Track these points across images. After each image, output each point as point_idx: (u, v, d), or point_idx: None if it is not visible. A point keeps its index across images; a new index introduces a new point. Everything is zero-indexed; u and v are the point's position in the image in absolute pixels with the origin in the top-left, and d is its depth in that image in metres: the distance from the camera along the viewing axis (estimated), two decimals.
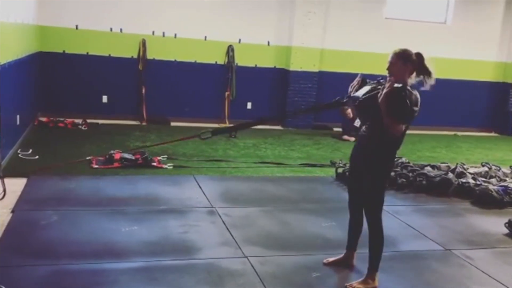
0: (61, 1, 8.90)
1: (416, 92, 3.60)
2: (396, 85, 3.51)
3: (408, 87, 3.55)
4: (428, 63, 3.65)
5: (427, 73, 3.66)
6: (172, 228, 4.65)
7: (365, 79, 3.93)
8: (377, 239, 3.76)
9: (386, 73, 3.67)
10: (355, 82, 3.95)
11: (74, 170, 6.10)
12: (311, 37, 10.05)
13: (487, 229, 5.30)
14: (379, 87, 3.66)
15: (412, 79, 3.66)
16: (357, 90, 3.87)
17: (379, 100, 3.52)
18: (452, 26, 11.04)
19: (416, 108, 3.55)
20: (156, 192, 5.56)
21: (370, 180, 3.70)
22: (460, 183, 6.36)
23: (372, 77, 3.96)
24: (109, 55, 9.35)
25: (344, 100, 3.89)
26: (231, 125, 5.07)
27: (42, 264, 3.78)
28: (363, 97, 3.71)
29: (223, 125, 9.75)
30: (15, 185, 5.29)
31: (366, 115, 3.77)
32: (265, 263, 4.09)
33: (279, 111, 10.31)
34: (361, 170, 3.77)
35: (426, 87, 3.69)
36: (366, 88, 3.77)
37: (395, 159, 3.75)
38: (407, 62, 3.62)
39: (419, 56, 3.66)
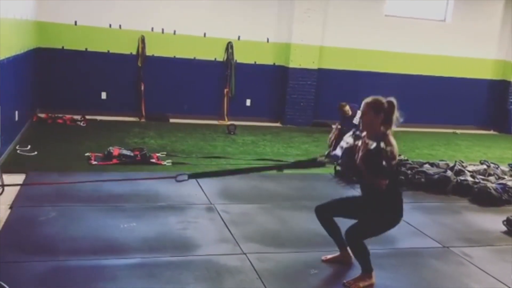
0: None
1: (391, 142, 3.55)
2: (370, 145, 3.50)
3: (382, 143, 3.49)
4: (396, 114, 3.62)
5: (390, 124, 3.62)
6: (170, 224, 4.65)
7: (342, 128, 3.98)
8: (357, 252, 3.79)
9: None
10: (331, 135, 3.99)
11: (73, 167, 6.10)
12: (311, 34, 10.04)
13: (486, 227, 5.31)
14: (357, 143, 3.66)
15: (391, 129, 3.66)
16: (335, 144, 3.90)
17: (357, 162, 3.56)
18: (452, 24, 11.03)
19: (394, 162, 3.55)
20: (154, 188, 5.56)
21: (366, 220, 3.72)
22: (459, 181, 6.37)
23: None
24: (108, 51, 9.33)
25: (325, 160, 3.94)
26: (215, 170, 5.08)
27: (41, 260, 3.78)
28: (343, 160, 3.76)
29: (222, 122, 9.78)
30: (14, 181, 5.27)
31: (351, 172, 3.80)
32: (264, 259, 4.09)
33: (278, 108, 10.33)
34: (361, 210, 3.78)
35: None
36: (344, 145, 3.80)
37: (400, 204, 3.77)
38: (379, 112, 3.60)
39: (390, 104, 3.63)
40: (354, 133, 3.81)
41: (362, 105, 3.68)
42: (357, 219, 3.79)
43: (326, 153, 4.03)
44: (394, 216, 3.73)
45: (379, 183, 3.52)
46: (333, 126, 4.11)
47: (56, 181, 5.39)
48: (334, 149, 3.92)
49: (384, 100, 3.64)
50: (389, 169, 3.49)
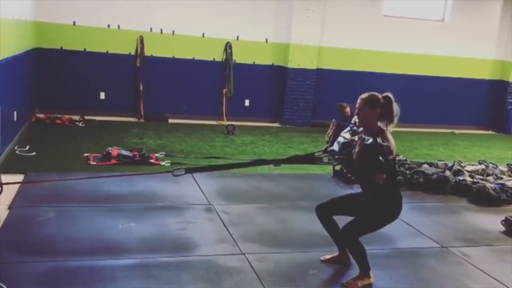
0: None
1: (388, 137, 3.57)
2: (366, 141, 3.48)
3: (378, 138, 3.49)
4: (395, 107, 3.64)
5: (391, 118, 3.64)
6: (169, 225, 4.65)
7: (339, 124, 3.98)
8: (354, 251, 3.80)
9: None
10: (330, 130, 3.98)
11: (71, 167, 6.10)
12: (309, 35, 10.04)
13: (484, 227, 5.31)
14: (354, 139, 3.64)
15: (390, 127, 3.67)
16: (333, 140, 3.90)
17: (354, 158, 3.55)
18: (450, 24, 11.04)
19: (391, 157, 3.53)
20: (153, 189, 5.56)
21: (365, 215, 3.72)
22: (457, 181, 6.38)
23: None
24: (107, 51, 9.32)
25: (323, 155, 3.96)
26: (213, 165, 5.02)
27: (40, 261, 3.78)
28: (340, 155, 3.75)
29: (221, 122, 9.78)
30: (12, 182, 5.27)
31: (350, 168, 3.79)
32: (263, 260, 4.09)
33: (276, 108, 10.33)
34: (361, 207, 3.78)
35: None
36: (341, 140, 3.79)
37: (399, 199, 3.76)
38: (375, 107, 3.62)
39: (387, 99, 3.65)
40: (351, 128, 3.81)
41: (358, 101, 3.69)
42: (356, 216, 3.80)
43: (323, 148, 4.02)
44: (393, 210, 3.74)
45: (376, 178, 3.51)
46: (332, 121, 4.06)
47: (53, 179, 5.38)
48: (332, 145, 3.92)
49: (380, 95, 3.67)
50: (386, 164, 3.47)
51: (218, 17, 9.73)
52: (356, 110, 3.69)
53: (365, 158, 3.48)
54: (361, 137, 3.54)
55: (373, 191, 3.63)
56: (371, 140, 3.46)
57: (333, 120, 4.06)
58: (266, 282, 3.74)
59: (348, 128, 3.85)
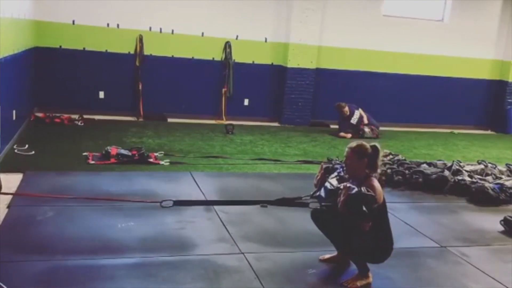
0: None
1: (374, 186, 3.58)
2: (351, 190, 3.49)
3: (363, 188, 3.50)
4: (380, 160, 3.69)
5: (374, 169, 3.68)
6: (168, 224, 4.64)
7: (328, 168, 3.99)
8: (355, 257, 3.81)
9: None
10: (318, 174, 3.99)
11: (70, 166, 6.10)
12: (309, 34, 10.04)
13: (483, 227, 5.32)
14: (340, 187, 3.64)
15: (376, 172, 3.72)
16: (320, 185, 3.92)
17: (338, 206, 3.56)
18: (449, 24, 11.05)
19: (376, 205, 3.54)
20: (152, 188, 5.55)
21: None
22: (456, 180, 6.38)
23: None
24: (106, 50, 9.32)
25: (310, 201, 4.04)
26: (201, 200, 5.35)
27: (39, 260, 3.78)
28: (327, 203, 3.78)
29: (220, 122, 9.78)
30: (11, 181, 5.27)
31: (334, 214, 3.80)
32: (262, 259, 4.09)
33: (276, 108, 10.33)
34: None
35: None
36: (328, 186, 3.82)
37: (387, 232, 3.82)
38: (362, 157, 3.66)
39: (375, 149, 3.69)
40: (338, 174, 3.85)
41: (346, 150, 3.73)
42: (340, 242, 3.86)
43: (311, 193, 4.07)
44: (377, 255, 3.76)
45: (361, 227, 3.56)
46: (321, 165, 4.11)
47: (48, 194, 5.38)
48: (319, 189, 3.94)
49: (368, 145, 3.71)
50: (370, 213, 3.50)
51: (217, 16, 9.72)
52: (344, 159, 3.73)
53: (349, 208, 3.52)
54: (346, 186, 3.56)
55: (360, 233, 3.62)
56: (355, 189, 3.49)
57: (322, 163, 4.09)
58: (265, 281, 3.74)
59: (336, 174, 3.88)
